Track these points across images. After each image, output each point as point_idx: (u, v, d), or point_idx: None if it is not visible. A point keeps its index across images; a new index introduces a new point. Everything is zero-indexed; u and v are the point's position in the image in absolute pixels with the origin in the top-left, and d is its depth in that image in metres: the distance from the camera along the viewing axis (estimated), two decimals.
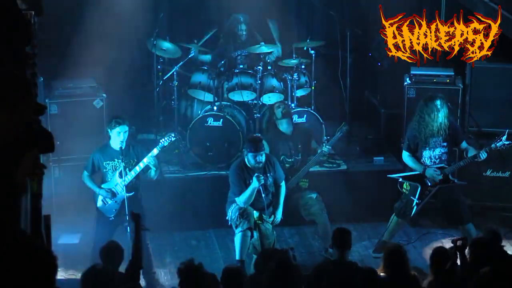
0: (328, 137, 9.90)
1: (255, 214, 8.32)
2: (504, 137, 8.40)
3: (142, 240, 6.73)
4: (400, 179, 8.66)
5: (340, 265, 6.78)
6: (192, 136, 9.66)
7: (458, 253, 6.63)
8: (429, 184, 8.54)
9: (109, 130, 8.15)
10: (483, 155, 8.39)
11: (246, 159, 8.28)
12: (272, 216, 8.43)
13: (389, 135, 10.39)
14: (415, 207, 8.57)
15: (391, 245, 6.76)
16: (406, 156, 8.68)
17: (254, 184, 8.16)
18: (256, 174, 8.15)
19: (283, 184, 8.53)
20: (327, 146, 8.85)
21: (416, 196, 8.55)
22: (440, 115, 8.43)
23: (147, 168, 8.17)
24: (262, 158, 8.22)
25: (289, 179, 8.83)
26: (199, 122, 9.63)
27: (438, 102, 8.42)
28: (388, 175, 8.76)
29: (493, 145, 8.43)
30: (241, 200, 8.25)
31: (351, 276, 6.42)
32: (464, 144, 8.66)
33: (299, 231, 9.45)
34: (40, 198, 4.37)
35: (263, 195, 8.25)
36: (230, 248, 8.85)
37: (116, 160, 8.15)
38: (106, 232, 8.05)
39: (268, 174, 8.36)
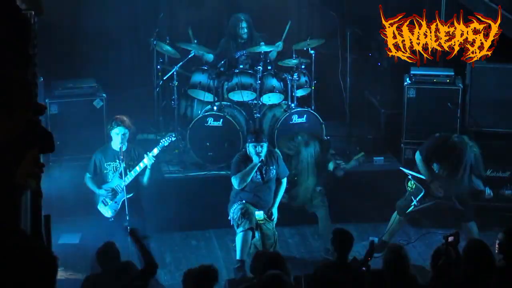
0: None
1: (258, 215, 8.33)
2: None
3: (146, 249, 6.63)
4: (410, 177, 8.67)
5: (340, 266, 6.75)
6: (192, 136, 9.66)
7: (451, 248, 6.58)
8: (431, 193, 8.57)
9: (109, 131, 8.20)
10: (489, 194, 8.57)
11: (248, 150, 8.31)
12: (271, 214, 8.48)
13: (389, 135, 10.39)
14: (411, 207, 8.59)
15: (392, 246, 6.74)
16: (419, 160, 8.66)
17: (254, 160, 8.19)
18: (256, 151, 8.20)
19: (284, 180, 8.56)
20: (340, 172, 8.87)
21: (417, 199, 8.56)
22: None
23: (143, 170, 8.19)
24: (263, 150, 8.24)
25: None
26: (199, 122, 9.63)
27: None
28: (400, 167, 8.78)
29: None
30: (237, 177, 8.26)
31: (351, 277, 6.42)
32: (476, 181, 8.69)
33: (299, 231, 9.45)
34: (40, 198, 4.37)
35: (261, 183, 8.28)
36: (230, 248, 8.85)
37: (117, 161, 8.18)
38: (107, 233, 8.04)
39: (271, 167, 8.37)
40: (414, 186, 8.64)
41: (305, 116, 9.70)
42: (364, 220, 9.51)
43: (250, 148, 8.27)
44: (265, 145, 8.28)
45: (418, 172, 8.67)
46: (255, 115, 9.82)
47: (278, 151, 8.58)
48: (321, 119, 9.75)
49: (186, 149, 9.86)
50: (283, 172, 8.53)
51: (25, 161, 3.62)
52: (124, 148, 8.15)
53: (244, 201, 8.32)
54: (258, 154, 8.23)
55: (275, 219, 8.48)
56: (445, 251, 6.51)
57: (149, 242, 7.67)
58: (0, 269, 3.18)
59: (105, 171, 8.26)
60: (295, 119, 9.64)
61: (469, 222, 8.57)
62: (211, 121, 9.62)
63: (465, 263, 6.43)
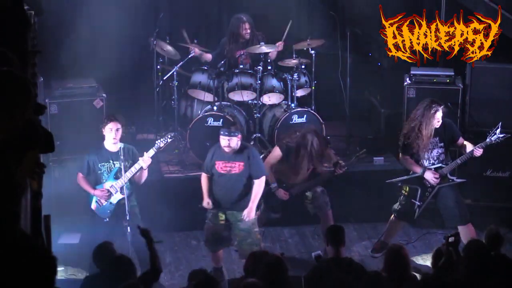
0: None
1: (221, 216, 8.22)
2: (498, 130, 8.37)
3: (156, 253, 6.66)
4: (399, 184, 8.64)
5: (336, 262, 6.76)
6: (192, 136, 9.66)
7: (452, 249, 6.59)
8: (429, 184, 8.52)
9: (102, 129, 8.10)
10: (479, 151, 8.37)
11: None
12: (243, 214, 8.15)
13: (389, 135, 10.39)
14: (417, 210, 8.55)
15: (393, 246, 6.74)
16: (403, 158, 8.65)
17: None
18: (223, 144, 8.02)
19: (257, 181, 8.14)
20: (342, 169, 8.68)
21: (417, 199, 8.54)
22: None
23: (138, 171, 8.13)
24: (231, 143, 7.98)
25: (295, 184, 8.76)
26: (199, 122, 9.63)
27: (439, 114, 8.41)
28: (386, 181, 8.69)
29: (488, 140, 8.41)
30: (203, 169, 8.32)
31: (349, 273, 6.42)
32: (461, 140, 8.63)
33: (299, 231, 9.45)
34: (40, 198, 4.37)
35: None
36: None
37: (111, 161, 8.11)
38: (103, 233, 8.02)
39: (238, 162, 8.05)
40: (408, 189, 8.61)
41: (305, 116, 9.70)
42: (364, 220, 9.52)
43: (220, 139, 8.08)
44: (235, 139, 8.00)
45: (408, 173, 8.63)
46: (255, 115, 9.83)
47: (253, 148, 8.41)
48: (321, 119, 9.75)
49: (186, 149, 9.86)
50: (256, 172, 8.09)
51: (25, 161, 3.61)
52: (120, 146, 8.05)
53: (210, 215, 8.25)
54: (226, 147, 8.03)
55: (251, 219, 8.09)
56: (446, 251, 6.51)
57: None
58: (0, 269, 3.18)
59: (99, 172, 8.15)
60: (295, 119, 9.64)
61: (466, 225, 8.50)
62: (211, 121, 9.61)
63: (465, 263, 6.44)
